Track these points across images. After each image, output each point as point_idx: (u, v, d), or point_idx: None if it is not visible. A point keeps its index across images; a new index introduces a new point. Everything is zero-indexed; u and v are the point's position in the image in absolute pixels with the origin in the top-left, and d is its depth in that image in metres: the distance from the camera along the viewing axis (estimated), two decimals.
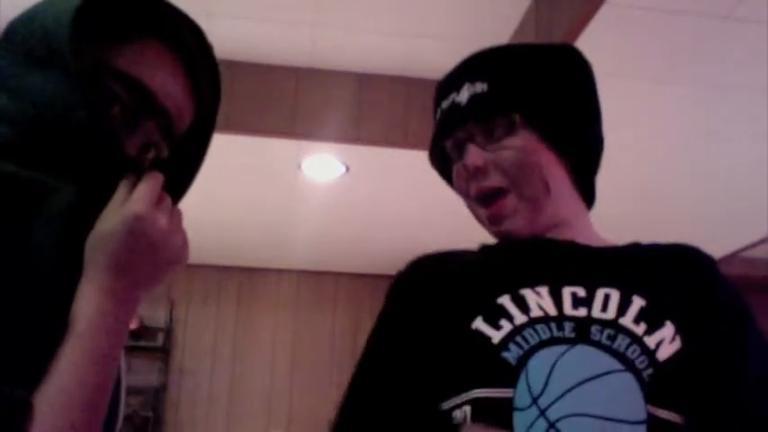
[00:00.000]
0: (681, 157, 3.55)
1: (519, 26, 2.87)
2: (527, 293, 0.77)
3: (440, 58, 3.16)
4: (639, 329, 0.73)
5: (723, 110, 3.13)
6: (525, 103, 0.85)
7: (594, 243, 0.87)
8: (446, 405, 0.74)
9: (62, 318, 0.60)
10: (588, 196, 0.92)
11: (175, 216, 0.67)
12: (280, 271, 5.55)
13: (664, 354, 0.72)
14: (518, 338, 0.73)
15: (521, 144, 0.83)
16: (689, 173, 3.69)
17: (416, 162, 3.55)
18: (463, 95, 0.86)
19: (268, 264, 5.46)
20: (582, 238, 0.86)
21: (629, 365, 0.71)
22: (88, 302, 0.61)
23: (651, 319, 0.75)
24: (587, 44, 2.44)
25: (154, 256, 0.64)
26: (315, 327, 5.49)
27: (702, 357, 0.74)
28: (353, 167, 3.65)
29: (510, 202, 0.84)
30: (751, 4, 2.43)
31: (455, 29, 2.93)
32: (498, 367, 0.72)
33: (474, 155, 0.84)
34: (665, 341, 0.73)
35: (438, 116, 0.91)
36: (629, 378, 0.70)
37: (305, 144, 3.36)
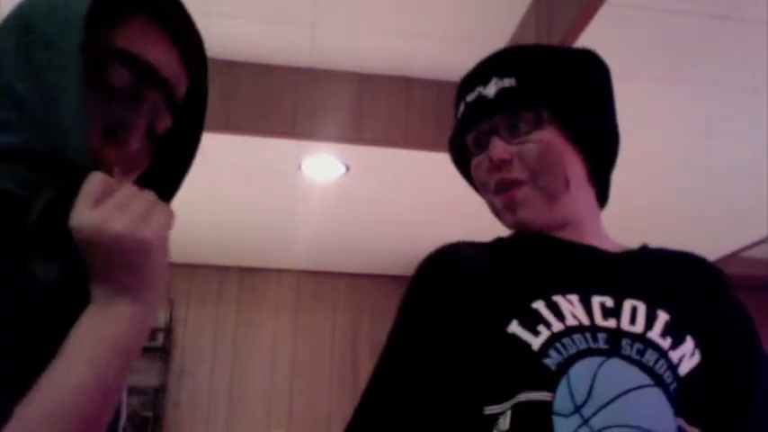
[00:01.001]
0: (681, 157, 3.55)
1: (519, 26, 2.87)
2: (559, 300, 0.78)
3: (440, 58, 3.16)
4: (666, 344, 0.75)
5: (723, 110, 3.13)
6: (552, 99, 0.86)
7: (606, 245, 0.88)
8: (490, 410, 0.75)
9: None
10: (603, 196, 0.94)
11: (136, 203, 0.64)
12: (280, 271, 5.55)
13: (685, 368, 0.74)
14: (557, 345, 0.74)
15: (547, 138, 0.85)
16: (689, 173, 3.69)
17: (416, 162, 3.55)
18: (491, 89, 0.88)
19: (268, 264, 5.46)
20: (594, 240, 0.88)
21: (657, 380, 0.72)
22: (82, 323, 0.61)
23: (675, 333, 0.76)
24: (587, 44, 2.43)
25: (116, 258, 0.62)
26: (315, 327, 5.49)
27: (720, 372, 0.75)
28: (353, 167, 3.65)
29: (523, 192, 0.86)
30: (751, 4, 2.43)
31: (455, 29, 2.93)
32: (539, 373, 0.73)
33: (500, 148, 0.86)
34: (686, 356, 0.75)
35: (462, 109, 0.92)
36: (658, 393, 0.71)
37: (305, 144, 3.36)
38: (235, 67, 3.14)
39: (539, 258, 0.86)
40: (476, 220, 4.41)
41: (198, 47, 0.80)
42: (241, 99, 3.16)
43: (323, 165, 3.62)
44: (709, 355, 0.76)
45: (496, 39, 2.97)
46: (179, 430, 5.16)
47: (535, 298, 0.78)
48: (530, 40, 2.73)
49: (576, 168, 0.87)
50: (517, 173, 0.85)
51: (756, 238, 4.43)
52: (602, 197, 0.94)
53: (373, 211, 4.30)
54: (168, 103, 0.75)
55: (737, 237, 4.40)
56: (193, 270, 5.42)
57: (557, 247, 0.87)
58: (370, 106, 3.28)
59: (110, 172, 0.68)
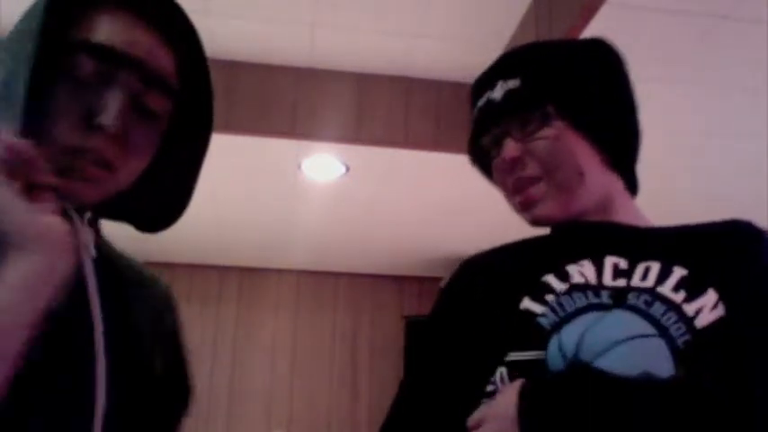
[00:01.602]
0: (681, 157, 3.55)
1: (519, 26, 2.87)
2: (570, 268, 0.80)
3: (440, 58, 3.17)
4: (678, 297, 0.75)
5: (723, 110, 3.13)
6: (557, 95, 0.88)
7: (640, 224, 0.89)
8: (483, 365, 0.78)
9: None
10: (631, 184, 0.95)
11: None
12: (280, 271, 5.55)
13: (703, 321, 0.73)
14: (554, 305, 0.76)
15: (554, 133, 0.87)
16: (689, 173, 3.69)
17: (416, 162, 3.56)
18: (497, 92, 0.90)
19: (268, 264, 5.46)
20: (625, 220, 0.89)
21: (662, 331, 0.72)
22: None
23: (692, 287, 0.75)
24: None
25: None
26: (315, 327, 5.49)
27: (745, 324, 0.74)
28: (353, 167, 3.65)
29: (539, 189, 0.88)
30: (751, 4, 2.43)
31: (455, 29, 2.93)
32: (532, 331, 0.75)
33: (511, 147, 0.88)
34: (706, 308, 0.74)
35: (475, 115, 0.95)
36: (660, 343, 0.71)
37: (305, 144, 3.36)
38: (235, 67, 3.15)
39: (557, 239, 0.89)
40: (476, 220, 4.41)
41: (179, 20, 0.80)
42: (241, 99, 3.16)
43: (323, 165, 3.62)
44: (734, 309, 0.74)
45: (496, 39, 2.97)
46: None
47: (547, 272, 0.80)
48: (530, 40, 2.73)
49: (589, 159, 0.88)
50: (530, 170, 0.88)
51: None
52: (631, 185, 0.95)
53: (373, 211, 4.30)
54: (148, 80, 0.75)
55: None
56: (193, 270, 5.41)
57: (576, 226, 0.89)
58: (370, 106, 3.28)
59: (96, 163, 0.71)
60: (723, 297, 0.75)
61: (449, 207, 4.11)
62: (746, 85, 2.90)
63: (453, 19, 2.87)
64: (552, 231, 0.92)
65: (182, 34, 0.80)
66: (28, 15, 0.73)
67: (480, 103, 0.93)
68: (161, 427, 0.83)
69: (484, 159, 0.95)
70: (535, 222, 0.91)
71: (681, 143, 3.43)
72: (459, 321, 0.86)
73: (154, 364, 0.81)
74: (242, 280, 5.52)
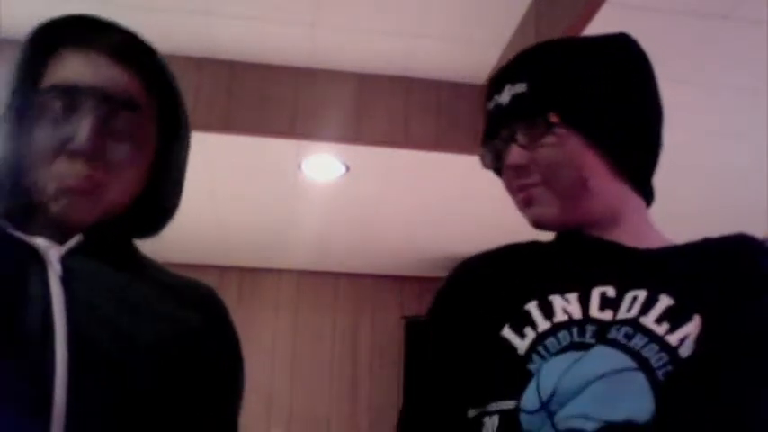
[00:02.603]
0: (681, 157, 3.55)
1: (519, 26, 2.87)
2: (554, 299, 0.78)
3: (440, 58, 3.17)
4: (661, 329, 0.73)
5: (723, 110, 3.13)
6: (561, 101, 0.86)
7: (645, 242, 0.86)
8: (474, 413, 0.77)
9: None
10: (646, 194, 0.93)
11: None
12: (280, 271, 5.55)
13: (687, 350, 0.71)
14: (540, 348, 0.75)
15: (557, 142, 0.85)
16: (689, 173, 3.69)
17: (416, 162, 3.55)
18: (505, 96, 0.89)
19: (268, 264, 5.46)
20: (629, 237, 0.86)
21: (642, 363, 0.70)
22: None
23: (677, 316, 0.74)
24: None
25: None
26: (315, 327, 5.49)
27: (727, 350, 0.72)
28: (353, 167, 3.65)
29: (537, 191, 0.87)
30: (751, 4, 2.43)
31: (455, 29, 2.93)
32: (525, 379, 0.74)
33: (515, 154, 0.87)
34: (690, 336, 0.72)
35: (485, 117, 0.94)
36: (638, 377, 0.70)
37: (305, 144, 3.36)
38: (235, 67, 3.14)
39: (548, 258, 0.87)
40: (476, 220, 4.41)
41: (136, 43, 0.87)
42: (241, 99, 3.16)
43: (323, 165, 3.62)
44: (716, 335, 0.72)
45: (496, 39, 2.97)
46: None
47: (530, 298, 0.79)
48: (530, 40, 2.74)
49: (596, 168, 0.86)
50: (533, 178, 0.87)
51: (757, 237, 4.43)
52: (646, 193, 0.92)
53: (373, 211, 4.30)
54: (112, 102, 0.82)
55: None
56: (193, 270, 5.40)
57: (575, 243, 0.87)
58: (370, 106, 3.28)
59: (81, 185, 0.80)
60: (708, 323, 0.73)
61: (449, 207, 4.11)
62: (746, 85, 2.90)
63: (453, 19, 2.87)
64: (554, 240, 0.91)
65: (141, 54, 0.87)
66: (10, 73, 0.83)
67: (489, 106, 0.92)
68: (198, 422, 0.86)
69: (496, 161, 0.94)
70: (536, 224, 0.90)
71: (680, 143, 3.43)
72: (449, 336, 0.86)
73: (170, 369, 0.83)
74: (242, 280, 5.52)
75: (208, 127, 3.10)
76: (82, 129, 0.80)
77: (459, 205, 4.06)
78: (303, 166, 3.64)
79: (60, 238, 0.80)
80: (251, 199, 4.14)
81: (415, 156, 3.43)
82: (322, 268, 5.52)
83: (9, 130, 0.80)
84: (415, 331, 5.06)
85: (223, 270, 5.50)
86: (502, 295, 0.82)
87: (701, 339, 0.72)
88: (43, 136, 0.80)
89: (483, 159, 0.95)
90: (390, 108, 3.30)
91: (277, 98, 3.22)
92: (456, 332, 0.85)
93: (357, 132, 3.27)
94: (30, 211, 0.81)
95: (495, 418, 0.74)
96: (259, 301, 5.50)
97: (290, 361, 5.40)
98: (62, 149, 0.80)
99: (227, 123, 3.11)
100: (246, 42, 3.05)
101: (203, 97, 3.09)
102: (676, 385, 0.69)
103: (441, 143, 3.32)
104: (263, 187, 3.96)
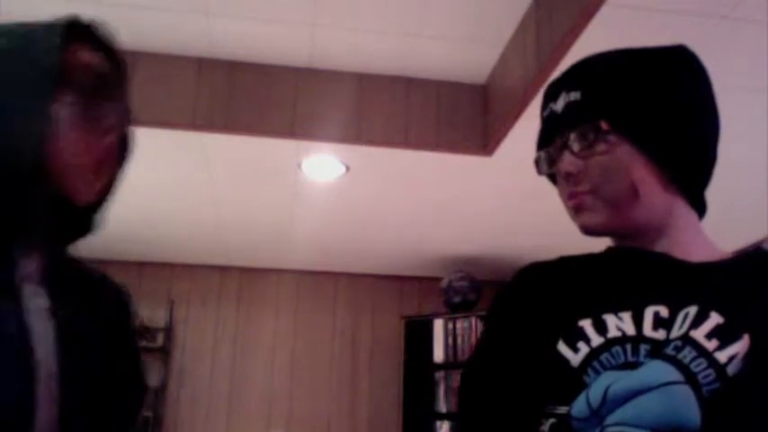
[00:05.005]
0: None
1: (519, 26, 2.87)
2: (608, 318, 0.79)
3: (440, 58, 3.17)
4: (710, 344, 0.73)
5: (723, 110, 3.12)
6: (613, 110, 0.87)
7: (695, 254, 0.87)
8: (531, 415, 0.81)
9: None
10: (698, 206, 0.94)
11: None
12: (280, 271, 5.55)
13: (736, 368, 0.72)
14: (595, 363, 0.76)
15: (607, 149, 0.86)
16: None
17: (416, 162, 3.56)
18: (559, 104, 0.91)
19: (268, 264, 5.46)
20: (679, 249, 0.87)
21: (689, 378, 0.71)
22: None
23: (727, 334, 0.74)
24: (587, 44, 2.44)
25: None
26: (315, 327, 5.49)
27: None
28: (353, 167, 3.65)
29: (588, 197, 0.88)
30: (751, 4, 2.43)
31: (455, 29, 2.93)
32: (578, 389, 0.76)
33: (567, 162, 0.88)
34: (740, 355, 0.73)
35: (540, 124, 0.95)
36: (687, 390, 0.71)
37: (305, 144, 3.36)
38: (235, 67, 3.14)
39: (601, 274, 0.88)
40: (475, 221, 4.40)
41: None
42: (241, 99, 3.16)
43: (323, 165, 3.62)
44: (763, 353, 0.73)
45: (496, 39, 2.97)
46: (179, 430, 5.17)
47: (584, 316, 0.81)
48: (530, 40, 2.74)
49: (647, 177, 0.87)
50: (583, 186, 0.88)
51: (756, 238, 4.43)
52: (699, 205, 0.94)
53: (373, 211, 4.30)
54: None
55: (737, 237, 4.41)
56: (193, 270, 5.42)
57: (626, 257, 0.88)
58: (370, 106, 3.29)
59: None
60: (756, 343, 0.73)
61: (449, 207, 4.11)
62: (746, 85, 2.90)
63: (453, 19, 2.87)
64: (606, 253, 0.92)
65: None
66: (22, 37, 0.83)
67: (545, 113, 0.94)
68: (116, 425, 0.86)
69: (550, 168, 0.94)
70: (584, 230, 0.90)
71: None
72: (505, 351, 0.89)
73: (111, 370, 0.85)
74: (242, 280, 5.52)
75: (208, 127, 3.11)
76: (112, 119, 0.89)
77: (459, 205, 4.06)
78: (303, 166, 3.64)
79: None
80: (251, 199, 4.14)
81: (415, 156, 3.43)
82: (322, 268, 5.52)
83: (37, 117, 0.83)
84: (415, 331, 5.06)
85: (223, 270, 5.50)
86: (557, 310, 0.84)
87: (749, 359, 0.72)
88: (72, 120, 0.86)
89: (538, 166, 0.96)
90: (390, 108, 3.30)
91: (277, 98, 3.22)
92: (513, 340, 0.88)
93: (357, 132, 3.27)
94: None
95: (551, 422, 0.78)
96: (259, 301, 5.50)
97: (289, 361, 5.40)
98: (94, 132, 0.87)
99: (227, 123, 3.11)
100: (246, 42, 3.05)
101: (203, 97, 3.10)
102: (723, 403, 0.70)
103: (441, 143, 3.32)
104: (263, 187, 3.96)
